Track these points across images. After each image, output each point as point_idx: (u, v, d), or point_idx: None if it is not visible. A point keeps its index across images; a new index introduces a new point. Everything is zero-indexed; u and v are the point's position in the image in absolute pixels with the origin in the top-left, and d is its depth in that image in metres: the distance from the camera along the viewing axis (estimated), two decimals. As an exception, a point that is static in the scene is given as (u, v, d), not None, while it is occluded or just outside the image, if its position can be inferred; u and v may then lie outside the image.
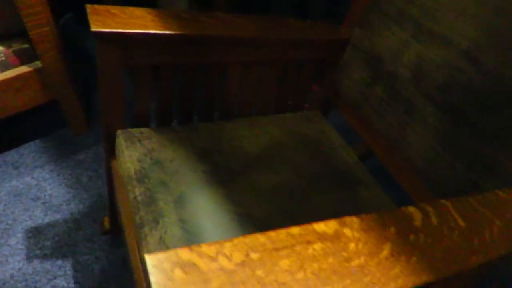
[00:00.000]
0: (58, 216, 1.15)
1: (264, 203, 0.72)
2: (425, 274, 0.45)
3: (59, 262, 1.06)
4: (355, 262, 0.44)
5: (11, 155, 1.30)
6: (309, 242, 0.45)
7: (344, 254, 0.45)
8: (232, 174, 0.76)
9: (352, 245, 0.46)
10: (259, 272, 0.41)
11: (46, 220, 1.14)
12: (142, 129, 0.82)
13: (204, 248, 0.41)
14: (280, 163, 0.80)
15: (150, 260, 0.39)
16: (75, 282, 1.02)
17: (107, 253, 1.08)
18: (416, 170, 0.72)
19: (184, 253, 0.40)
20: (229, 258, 0.41)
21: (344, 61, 0.88)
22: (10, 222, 1.13)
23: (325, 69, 0.95)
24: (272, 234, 0.44)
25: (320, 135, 0.89)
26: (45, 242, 1.09)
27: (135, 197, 0.71)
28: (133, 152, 0.77)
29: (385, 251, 0.46)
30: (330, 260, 0.44)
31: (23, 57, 1.15)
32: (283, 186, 0.76)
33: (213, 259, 0.41)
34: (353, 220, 0.48)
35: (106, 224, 1.12)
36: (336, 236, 0.46)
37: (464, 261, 0.48)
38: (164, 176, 0.73)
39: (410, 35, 0.71)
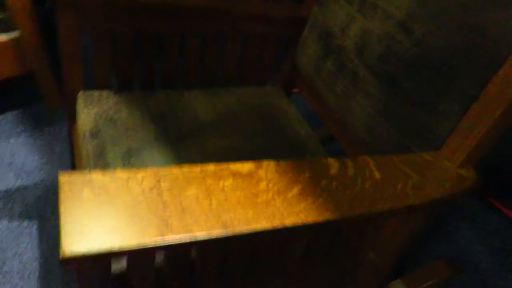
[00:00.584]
0: (29, 182, 1.19)
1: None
2: (328, 213, 0.48)
3: (25, 223, 1.09)
4: (262, 198, 0.47)
5: (-10, 122, 1.33)
6: (221, 178, 0.48)
7: (253, 190, 0.48)
8: (182, 136, 0.79)
9: (263, 184, 0.49)
10: (165, 197, 0.44)
11: (17, 185, 1.17)
12: (103, 91, 0.85)
13: (118, 173, 0.44)
14: (231, 130, 0.83)
15: (63, 177, 0.42)
16: (39, 242, 1.05)
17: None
18: (360, 141, 0.75)
19: (96, 175, 0.43)
20: (139, 184, 0.44)
21: (302, 38, 0.91)
22: (-18, 185, 1.16)
23: (288, 47, 0.99)
24: (186, 168, 0.48)
25: (277, 109, 0.92)
26: (15, 205, 1.12)
27: (86, 152, 0.74)
28: (91, 110, 0.80)
29: (294, 191, 0.49)
30: (238, 193, 0.47)
31: (0, 26, 1.19)
32: (231, 150, 0.79)
33: (124, 183, 0.44)
34: (270, 163, 0.51)
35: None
36: (249, 175, 0.49)
37: (369, 206, 0.51)
38: (116, 132, 0.76)
39: (356, 9, 0.74)
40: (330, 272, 0.70)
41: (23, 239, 1.05)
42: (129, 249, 0.38)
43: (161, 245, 0.40)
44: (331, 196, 0.50)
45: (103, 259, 0.38)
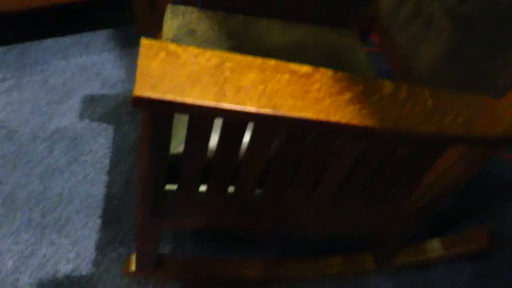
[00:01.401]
0: (112, 91, 1.31)
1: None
2: (372, 121, 0.51)
3: (104, 125, 1.22)
4: (314, 95, 0.51)
5: (86, 36, 1.47)
6: (278, 71, 0.52)
7: (306, 88, 0.52)
8: (251, 54, 0.84)
9: (317, 85, 0.53)
10: (227, 74, 0.49)
11: (102, 92, 1.30)
12: (188, 7, 0.91)
13: (190, 48, 0.50)
14: (296, 58, 0.87)
15: (144, 41, 0.49)
16: (113, 142, 1.18)
17: (144, 129, 1.22)
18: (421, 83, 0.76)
19: (172, 46, 0.50)
20: (207, 60, 0.50)
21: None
22: (73, 87, 1.30)
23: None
24: (249, 57, 0.52)
25: (346, 50, 0.94)
26: (97, 108, 1.25)
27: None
28: (174, 22, 0.87)
29: (345, 96, 0.52)
30: (291, 87, 0.51)
31: None
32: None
33: (194, 56, 0.50)
34: (327, 70, 0.55)
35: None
36: (306, 76, 0.53)
37: (414, 127, 0.53)
38: (194, 42, 0.82)
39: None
40: (363, 208, 0.73)
41: (100, 138, 1.18)
42: (189, 102, 0.44)
43: (217, 107, 0.45)
44: (379, 109, 0.53)
45: (165, 106, 0.44)
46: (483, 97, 0.61)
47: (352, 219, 0.77)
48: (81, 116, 1.23)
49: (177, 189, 0.65)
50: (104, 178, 1.10)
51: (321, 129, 0.50)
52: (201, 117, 0.50)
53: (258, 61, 0.52)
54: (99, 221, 1.02)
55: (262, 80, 0.50)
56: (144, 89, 0.44)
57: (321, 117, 0.49)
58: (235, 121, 0.51)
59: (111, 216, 1.03)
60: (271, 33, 0.91)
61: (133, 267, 0.84)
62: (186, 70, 0.47)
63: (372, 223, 0.78)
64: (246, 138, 0.66)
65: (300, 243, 1.00)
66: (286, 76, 0.52)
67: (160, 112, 0.47)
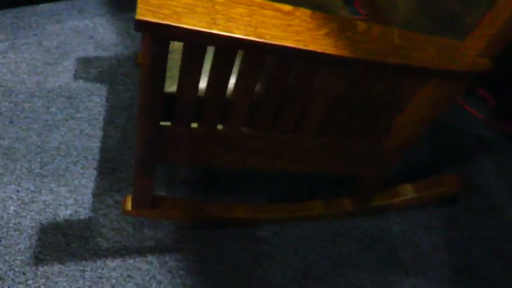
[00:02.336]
0: (105, 54, 1.36)
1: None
2: (345, 51, 0.58)
3: (98, 85, 1.27)
4: (294, 28, 0.58)
5: (80, 1, 1.51)
6: (264, 7, 0.58)
7: (288, 22, 0.58)
8: None
9: (297, 21, 0.59)
10: (218, 7, 0.55)
11: (95, 54, 1.35)
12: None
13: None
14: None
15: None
16: (107, 101, 1.23)
17: (137, 86, 1.28)
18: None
19: (168, -18, 0.55)
20: (199, -5, 0.56)
21: None
22: (67, 49, 1.35)
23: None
24: (238, -5, 0.59)
25: (328, 7, 1.00)
26: (91, 69, 1.30)
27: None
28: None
29: (321, 31, 0.59)
30: (275, 21, 0.57)
31: None
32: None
33: (188, -9, 0.56)
34: (306, 10, 0.61)
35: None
36: (288, 13, 0.60)
37: (382, 57, 0.60)
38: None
39: None
40: (343, 149, 0.80)
41: (94, 97, 1.24)
42: (186, 26, 0.51)
43: (210, 32, 0.52)
44: (352, 43, 0.60)
45: (164, 30, 0.50)
46: (448, 39, 0.68)
47: (333, 159, 0.84)
48: (76, 76, 1.28)
49: (171, 124, 0.72)
50: (100, 133, 1.16)
51: (300, 57, 0.57)
52: (195, 44, 0.56)
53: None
54: (95, 171, 1.08)
55: (249, 13, 0.57)
56: (145, 15, 0.50)
57: (300, 46, 0.55)
58: (225, 48, 0.58)
59: (107, 167, 1.09)
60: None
61: (129, 206, 0.91)
62: (182, 2, 0.54)
63: (352, 163, 0.85)
64: (233, 80, 0.72)
65: (286, 189, 1.08)
66: (270, 12, 0.58)
67: (160, 37, 0.53)
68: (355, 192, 0.96)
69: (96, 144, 1.14)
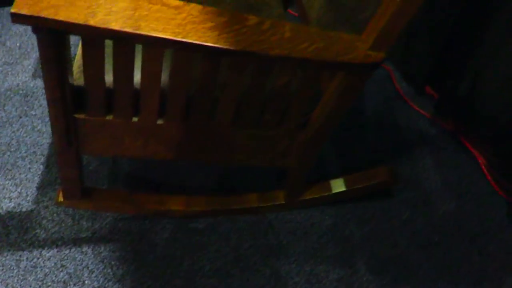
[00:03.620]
0: (65, 54, 1.41)
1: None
2: (227, 43, 0.61)
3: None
4: (177, 22, 0.61)
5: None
6: (151, 2, 0.62)
7: (172, 16, 0.61)
8: None
9: (183, 15, 0.62)
10: (101, 1, 0.59)
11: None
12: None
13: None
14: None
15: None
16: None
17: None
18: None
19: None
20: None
21: None
22: (29, 49, 1.39)
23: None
24: (126, -10, 0.62)
25: (263, 5, 1.03)
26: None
27: None
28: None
29: (206, 25, 0.62)
30: (159, 14, 0.61)
31: None
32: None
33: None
34: (197, 5, 0.64)
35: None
36: (176, 7, 0.63)
37: (265, 49, 0.62)
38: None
39: None
40: (261, 134, 0.83)
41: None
42: (60, 19, 0.54)
43: (85, 24, 0.55)
44: (237, 36, 0.62)
45: (39, 22, 0.54)
46: (340, 34, 0.71)
47: (253, 151, 0.87)
48: (34, 75, 1.32)
49: (86, 116, 0.75)
50: (51, 129, 1.20)
51: (178, 47, 0.60)
52: (90, 38, 0.60)
53: (132, -6, 0.62)
54: (42, 166, 1.11)
55: (133, 7, 0.60)
56: (21, 8, 0.53)
57: (179, 37, 0.59)
58: (100, 38, 0.61)
59: (54, 162, 1.12)
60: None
61: (61, 198, 0.94)
62: (64, -2, 0.57)
63: (272, 156, 0.88)
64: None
65: (225, 181, 1.11)
66: (157, 6, 0.62)
67: (41, 29, 0.56)
68: (287, 185, 0.99)
69: (46, 140, 1.18)
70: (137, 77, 0.70)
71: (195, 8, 0.64)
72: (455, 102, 1.17)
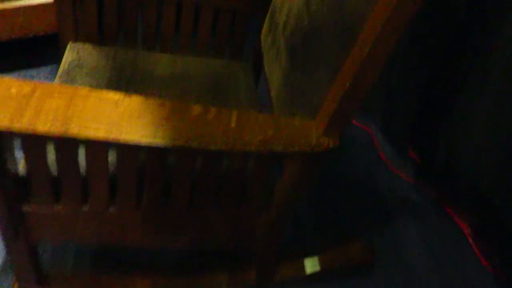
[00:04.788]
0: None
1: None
2: (163, 140, 0.58)
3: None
4: (113, 118, 0.58)
5: (32, 71, 1.58)
6: (88, 98, 0.60)
7: (110, 112, 0.59)
8: (129, 82, 0.93)
9: (121, 109, 0.60)
10: (32, 102, 0.57)
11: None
12: (86, 44, 1.01)
13: (6, 80, 0.58)
14: (175, 87, 0.94)
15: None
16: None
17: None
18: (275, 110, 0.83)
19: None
20: (18, 88, 0.58)
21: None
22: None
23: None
24: (65, 87, 0.60)
25: (231, 78, 1.01)
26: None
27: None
28: (69, 56, 0.96)
29: (145, 119, 0.60)
30: (94, 111, 0.58)
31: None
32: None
33: (9, 87, 0.57)
34: (138, 96, 0.62)
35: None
36: (115, 102, 0.61)
37: (205, 142, 0.60)
38: (80, 74, 0.91)
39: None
40: (220, 218, 0.79)
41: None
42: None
43: (9, 129, 0.53)
44: (178, 130, 0.60)
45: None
46: (291, 119, 0.68)
47: (214, 234, 0.82)
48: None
49: (32, 206, 0.72)
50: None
51: (114, 146, 0.57)
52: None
53: (70, 89, 0.60)
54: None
55: (67, 105, 0.58)
56: None
57: (111, 137, 0.56)
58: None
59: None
60: (159, 65, 1.00)
61: (16, 286, 0.89)
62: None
63: (234, 238, 0.83)
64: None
65: (193, 255, 1.05)
66: (94, 101, 0.60)
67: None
68: (256, 266, 0.93)
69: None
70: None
71: (135, 100, 0.61)
72: (435, 169, 1.13)
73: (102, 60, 0.97)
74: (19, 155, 0.67)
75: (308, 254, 0.97)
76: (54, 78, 0.95)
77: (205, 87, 0.98)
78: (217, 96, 0.97)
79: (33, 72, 1.56)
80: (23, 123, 0.54)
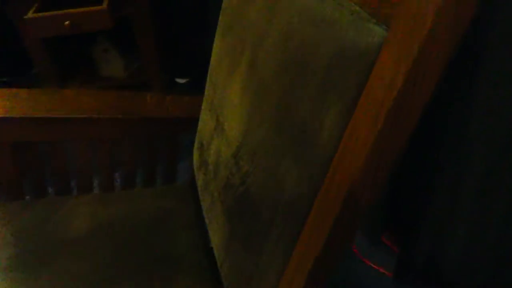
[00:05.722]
0: None
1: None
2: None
3: None
4: None
5: None
6: None
7: None
8: (38, 258, 0.74)
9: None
10: None
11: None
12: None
13: None
14: (92, 251, 0.77)
15: None
16: None
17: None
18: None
19: None
20: None
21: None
22: None
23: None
24: None
25: (170, 214, 0.86)
26: None
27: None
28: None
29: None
30: None
31: None
32: (89, 275, 0.72)
33: None
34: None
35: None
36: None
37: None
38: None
39: (213, 126, 0.68)
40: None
41: None
42: None
43: None
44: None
45: None
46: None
47: None
48: None
49: None
50: None
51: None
52: None
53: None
54: None
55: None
56: None
57: None
58: None
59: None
60: (78, 217, 0.83)
61: None
62: None
63: None
64: None
65: None
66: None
67: None
68: None
69: None
70: None
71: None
72: (415, 264, 1.01)
73: (5, 225, 0.79)
74: None
75: None
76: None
77: (134, 237, 0.80)
78: (147, 249, 0.78)
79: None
80: None
